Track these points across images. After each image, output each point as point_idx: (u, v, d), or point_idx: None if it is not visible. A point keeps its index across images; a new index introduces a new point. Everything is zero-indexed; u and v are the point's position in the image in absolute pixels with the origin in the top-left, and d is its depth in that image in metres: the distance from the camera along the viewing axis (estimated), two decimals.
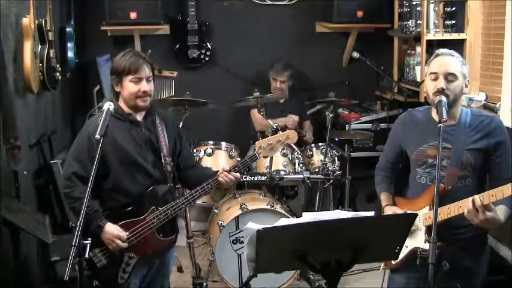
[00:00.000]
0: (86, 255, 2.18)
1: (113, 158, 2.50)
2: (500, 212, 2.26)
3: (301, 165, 4.11)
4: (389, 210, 2.59)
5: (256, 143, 2.86)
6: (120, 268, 2.56)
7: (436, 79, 2.39)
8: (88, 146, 2.52)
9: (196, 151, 4.08)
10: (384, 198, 2.67)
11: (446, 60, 2.40)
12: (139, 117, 2.64)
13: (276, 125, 4.07)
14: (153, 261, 2.71)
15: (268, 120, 4.11)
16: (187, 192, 2.74)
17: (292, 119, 4.70)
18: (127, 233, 2.53)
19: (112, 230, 2.48)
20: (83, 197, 2.45)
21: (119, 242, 2.49)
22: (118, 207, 2.57)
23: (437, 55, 2.45)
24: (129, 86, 2.56)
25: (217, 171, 2.73)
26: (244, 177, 3.94)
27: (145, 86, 2.56)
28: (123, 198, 2.57)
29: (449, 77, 2.37)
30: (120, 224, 2.53)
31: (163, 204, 2.62)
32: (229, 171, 2.71)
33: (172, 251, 2.88)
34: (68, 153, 2.65)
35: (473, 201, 2.17)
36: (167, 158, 2.67)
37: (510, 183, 2.08)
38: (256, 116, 4.75)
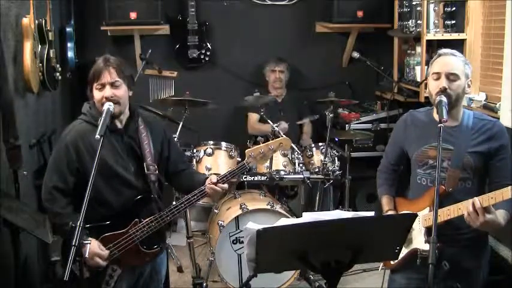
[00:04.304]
0: (86, 255, 2.18)
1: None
2: (500, 215, 2.26)
3: (301, 165, 4.11)
4: None
5: (246, 151, 2.72)
6: (103, 280, 2.48)
7: (438, 79, 2.39)
8: (66, 157, 2.45)
9: (196, 151, 4.07)
10: (385, 201, 2.67)
11: (449, 60, 2.40)
12: (119, 124, 2.52)
13: (275, 125, 4.07)
14: (143, 269, 2.62)
15: (269, 121, 4.11)
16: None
17: (282, 126, 4.61)
18: (107, 248, 2.43)
19: (93, 247, 2.35)
20: (62, 213, 2.44)
21: (98, 259, 2.38)
22: (101, 219, 2.46)
23: (440, 55, 2.44)
24: (95, 94, 2.46)
25: (207, 179, 2.62)
26: (244, 177, 3.94)
27: (107, 92, 2.41)
28: (105, 210, 2.47)
29: (451, 76, 2.37)
30: (102, 237, 2.44)
31: (147, 216, 2.51)
32: (216, 183, 2.57)
33: (163, 257, 2.78)
34: (48, 165, 2.55)
35: (473, 203, 2.17)
36: (151, 167, 2.55)
37: (510, 187, 2.08)
38: (251, 120, 4.75)
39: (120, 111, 2.48)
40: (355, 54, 4.86)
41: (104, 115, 2.33)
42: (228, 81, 5.20)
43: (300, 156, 4.16)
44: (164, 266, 2.83)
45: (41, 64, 3.38)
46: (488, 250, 2.57)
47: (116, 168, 2.48)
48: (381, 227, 1.94)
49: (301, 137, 4.90)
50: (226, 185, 2.61)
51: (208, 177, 2.63)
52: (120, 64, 2.49)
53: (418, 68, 4.50)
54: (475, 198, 2.18)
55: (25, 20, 3.18)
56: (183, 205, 2.56)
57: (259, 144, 2.87)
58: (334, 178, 4.07)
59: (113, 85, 2.44)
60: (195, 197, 2.57)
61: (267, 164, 4.00)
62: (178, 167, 2.75)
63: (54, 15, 3.88)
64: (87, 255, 2.17)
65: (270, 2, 5.16)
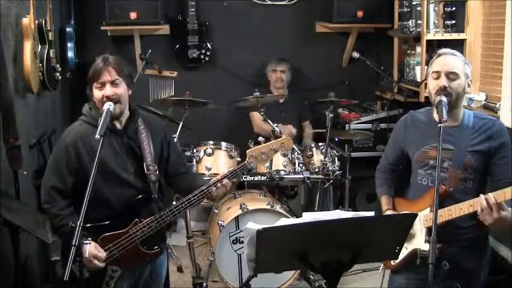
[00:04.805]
0: (86, 255, 2.18)
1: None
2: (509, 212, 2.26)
3: (301, 165, 4.11)
4: None
5: (248, 151, 2.72)
6: (103, 281, 2.47)
7: (438, 78, 2.39)
8: (66, 158, 2.44)
9: (196, 151, 4.07)
10: (384, 201, 2.67)
11: (448, 59, 2.40)
12: (119, 124, 2.52)
13: (275, 126, 4.07)
14: (143, 270, 2.62)
15: (269, 121, 4.11)
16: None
17: (289, 130, 4.61)
18: (107, 248, 2.42)
19: (90, 248, 2.31)
20: (60, 214, 2.43)
21: (96, 262, 2.36)
22: (100, 219, 2.45)
23: (439, 55, 2.44)
24: (95, 93, 2.45)
25: (209, 181, 2.62)
26: (244, 177, 3.94)
27: (107, 90, 2.41)
28: (105, 210, 2.46)
29: (451, 75, 2.37)
30: (102, 237, 2.43)
31: (147, 216, 2.50)
32: (222, 178, 2.61)
33: (164, 258, 2.77)
34: (47, 165, 2.55)
35: (486, 199, 2.17)
36: (151, 167, 2.54)
37: None
38: (255, 118, 4.75)
39: (121, 110, 2.48)
40: (355, 54, 4.86)
41: (104, 115, 2.33)
42: (228, 81, 5.20)
43: (300, 156, 4.15)
44: (164, 266, 2.83)
45: (41, 64, 3.38)
46: (488, 250, 2.57)
47: (115, 169, 2.47)
48: (381, 227, 1.94)
49: (303, 137, 4.91)
50: (229, 182, 2.62)
51: (209, 181, 2.64)
52: (119, 63, 2.49)
53: (418, 68, 4.50)
54: (489, 194, 2.18)
55: (25, 20, 3.17)
56: (183, 205, 2.56)
57: (261, 144, 2.86)
58: (334, 178, 4.07)
59: (113, 84, 2.43)
60: (196, 197, 2.57)
61: (267, 164, 4.00)
62: (178, 170, 2.73)
63: (54, 15, 3.88)
64: (87, 255, 2.18)
65: (270, 2, 5.16)
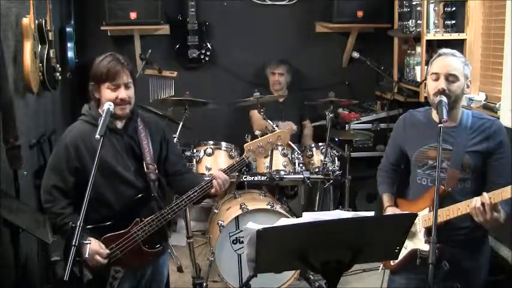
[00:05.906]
0: (86, 255, 2.18)
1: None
2: (503, 214, 2.26)
3: (301, 165, 4.11)
4: (390, 211, 2.59)
5: (245, 145, 2.73)
6: (107, 282, 2.46)
7: (437, 79, 2.38)
8: (66, 157, 2.44)
9: (196, 151, 4.07)
10: (385, 199, 2.68)
11: (448, 61, 2.39)
12: (119, 124, 2.53)
13: (275, 125, 4.07)
14: (145, 270, 2.62)
15: (269, 121, 4.11)
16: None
17: (290, 126, 4.62)
18: (109, 249, 2.42)
19: (93, 245, 2.34)
20: (62, 213, 2.43)
21: (98, 258, 2.37)
22: (101, 219, 2.45)
23: (440, 55, 2.44)
24: (106, 93, 2.44)
25: (208, 180, 2.63)
26: (244, 177, 3.94)
27: (122, 93, 2.43)
28: (106, 210, 2.47)
29: (451, 77, 2.36)
30: (103, 238, 2.43)
31: (148, 215, 2.50)
32: (223, 170, 2.66)
33: (165, 257, 2.78)
34: (47, 165, 2.55)
35: (482, 199, 2.17)
36: (150, 166, 2.55)
37: (510, 186, 2.09)
38: (255, 116, 4.75)
39: (130, 111, 2.51)
40: (355, 54, 4.86)
41: (104, 115, 2.33)
42: (228, 81, 5.20)
43: (300, 156, 4.15)
44: (166, 266, 2.83)
45: (41, 64, 3.37)
46: (488, 250, 2.57)
47: (116, 168, 2.48)
48: (380, 227, 1.94)
49: (303, 137, 4.91)
50: (228, 177, 2.65)
51: (207, 179, 2.64)
52: (131, 65, 2.52)
53: (418, 68, 4.51)
54: (485, 194, 2.18)
55: (25, 20, 3.17)
56: (183, 202, 2.56)
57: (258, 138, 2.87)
58: (334, 178, 4.07)
59: (126, 86, 2.46)
60: (196, 193, 2.58)
61: (267, 164, 4.00)
62: (178, 169, 2.73)
63: (54, 15, 3.88)
64: (87, 256, 2.17)
65: (270, 2, 5.16)
